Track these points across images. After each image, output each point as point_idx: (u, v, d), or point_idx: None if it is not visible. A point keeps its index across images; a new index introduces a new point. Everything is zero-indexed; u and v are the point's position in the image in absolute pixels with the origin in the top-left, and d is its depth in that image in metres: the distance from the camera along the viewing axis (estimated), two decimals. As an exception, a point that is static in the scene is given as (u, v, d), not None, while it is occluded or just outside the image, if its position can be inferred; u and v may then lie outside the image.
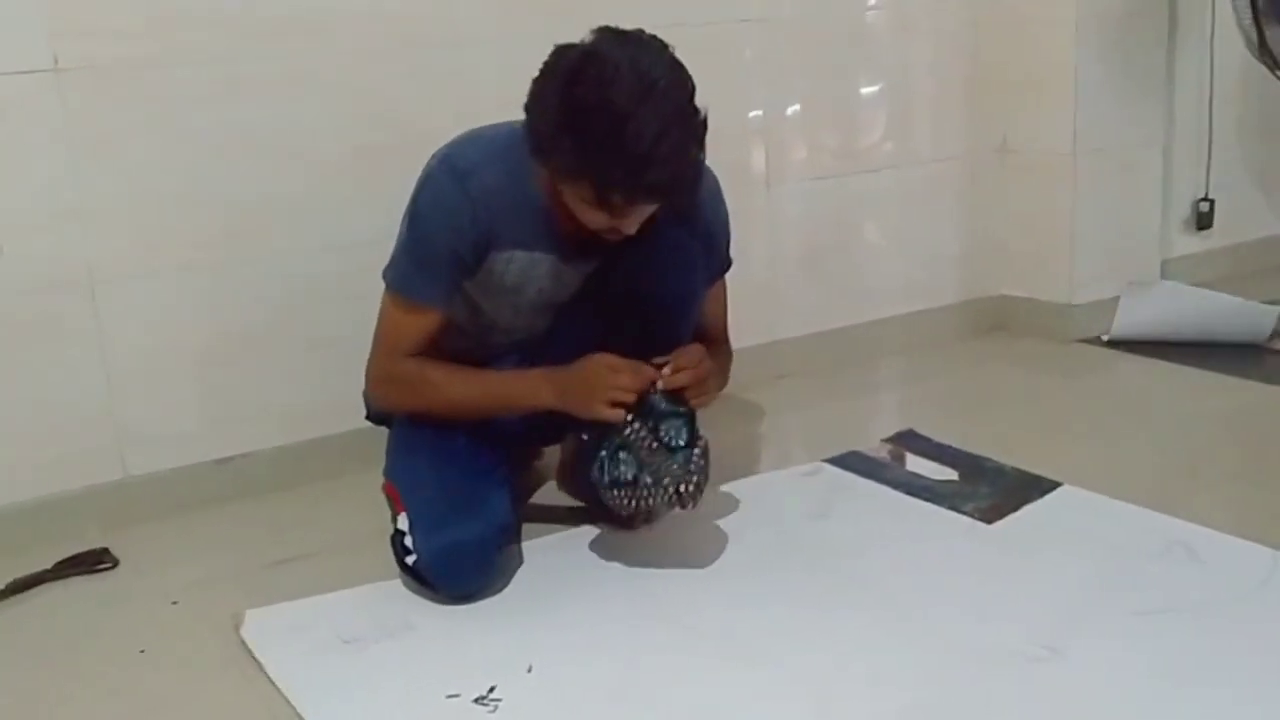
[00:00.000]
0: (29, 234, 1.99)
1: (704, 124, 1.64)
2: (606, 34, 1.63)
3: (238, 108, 2.11)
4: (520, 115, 1.68)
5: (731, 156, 2.57)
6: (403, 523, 1.75)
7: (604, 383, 1.70)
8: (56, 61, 1.96)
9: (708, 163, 1.75)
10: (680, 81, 1.62)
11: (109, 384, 2.08)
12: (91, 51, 1.99)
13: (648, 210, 1.67)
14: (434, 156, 1.78)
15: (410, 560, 1.73)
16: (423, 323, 1.79)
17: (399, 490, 1.80)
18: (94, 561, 1.95)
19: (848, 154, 2.76)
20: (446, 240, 1.74)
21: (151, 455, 2.13)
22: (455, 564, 1.71)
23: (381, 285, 1.83)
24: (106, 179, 2.03)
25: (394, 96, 2.22)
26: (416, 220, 1.77)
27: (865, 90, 2.77)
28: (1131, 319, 2.78)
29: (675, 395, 1.72)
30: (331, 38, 2.16)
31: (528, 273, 1.81)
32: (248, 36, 2.10)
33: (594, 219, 1.67)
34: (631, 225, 1.68)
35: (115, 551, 1.99)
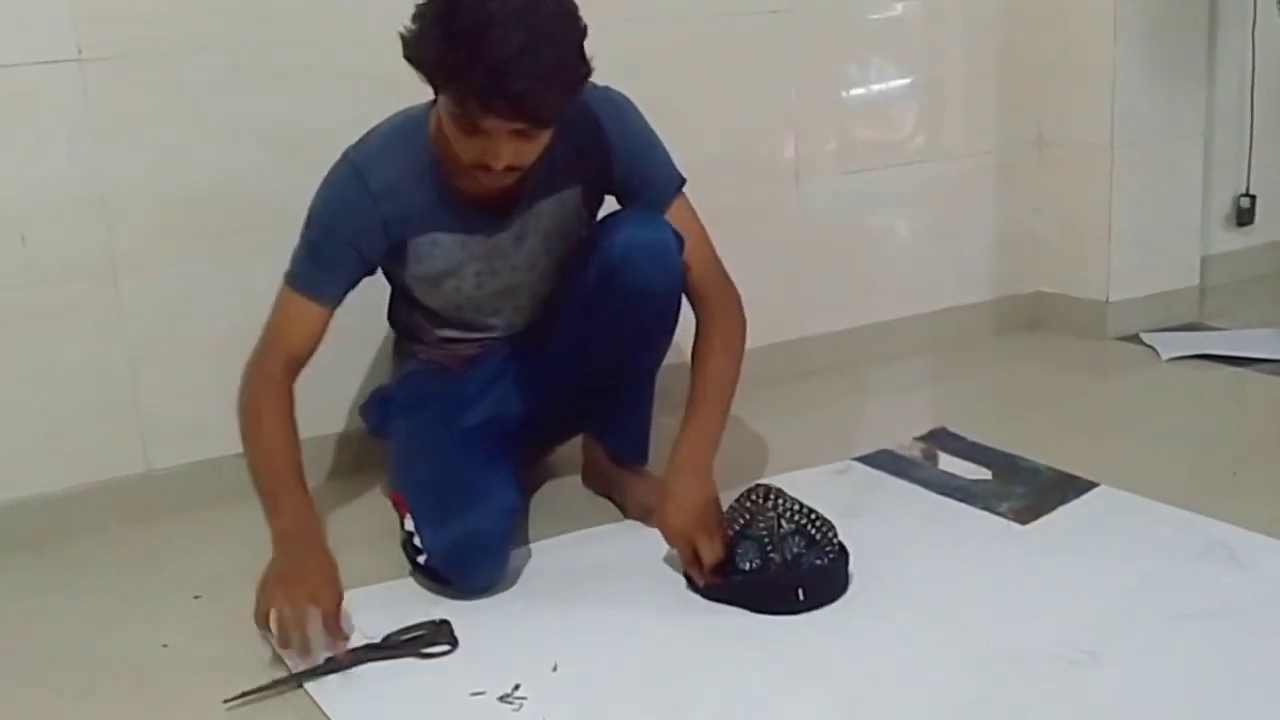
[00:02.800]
0: (52, 223, 1.99)
1: (585, 68, 1.60)
2: None
3: (262, 96, 2.10)
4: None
5: (761, 149, 2.58)
6: (410, 524, 1.75)
7: (273, 602, 1.56)
8: (80, 51, 1.96)
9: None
10: (565, 14, 1.58)
11: (132, 375, 2.08)
12: (115, 40, 1.99)
13: (516, 143, 1.61)
14: (341, 154, 1.78)
15: (422, 560, 1.73)
16: (311, 317, 1.77)
17: (403, 494, 1.80)
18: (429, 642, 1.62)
19: (879, 147, 2.74)
20: (346, 237, 1.75)
21: (174, 448, 2.13)
22: (466, 556, 1.70)
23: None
24: (130, 168, 2.03)
25: (420, 85, 2.18)
26: (315, 213, 1.77)
27: (897, 82, 2.74)
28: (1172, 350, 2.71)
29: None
30: (357, 25, 2.14)
31: (451, 255, 1.80)
32: (271, 24, 2.10)
33: (466, 149, 1.63)
34: (499, 158, 1.61)
35: (138, 545, 1.99)
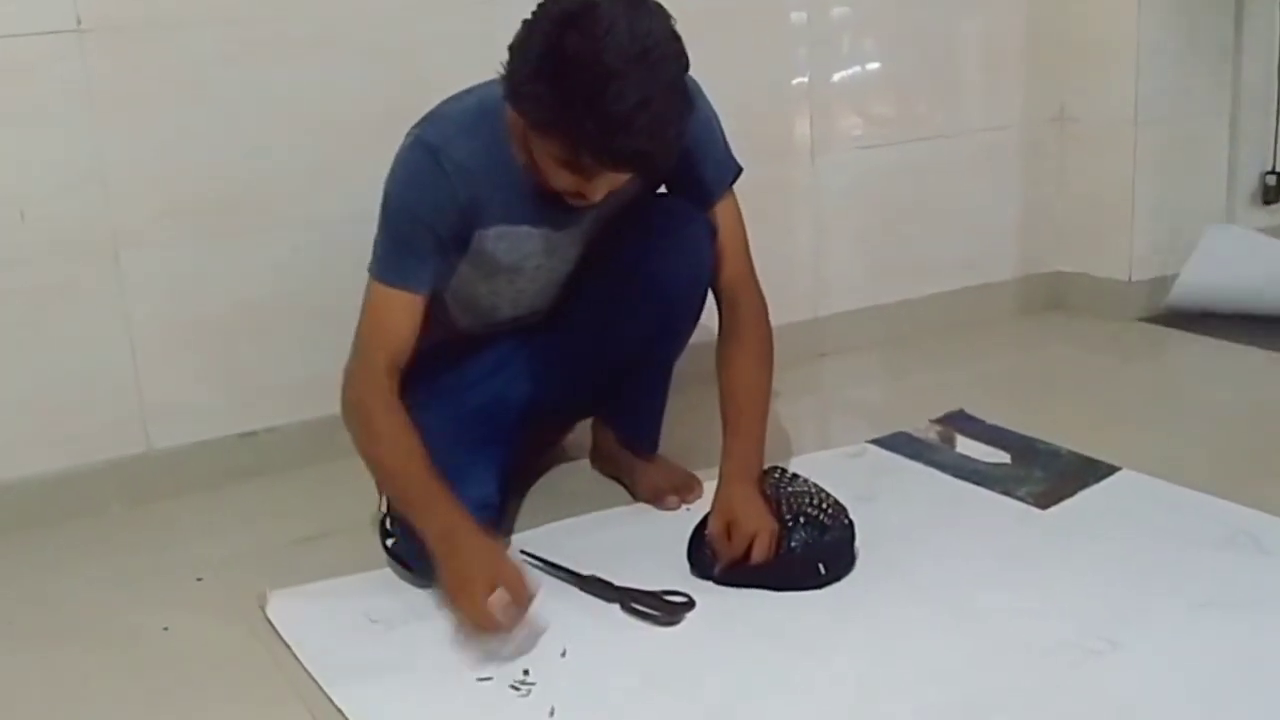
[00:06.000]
0: (51, 198, 1.97)
1: (690, 103, 1.58)
2: None
3: (264, 69, 2.08)
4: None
5: (775, 125, 2.56)
6: (385, 505, 1.73)
7: (470, 607, 1.53)
8: (79, 22, 1.94)
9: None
10: (676, 54, 1.54)
11: (132, 353, 2.06)
12: (115, 11, 1.96)
13: (617, 180, 1.61)
14: (407, 135, 1.72)
15: (390, 543, 1.72)
16: (405, 309, 1.70)
17: None
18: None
19: (896, 122, 2.72)
20: (426, 219, 1.68)
21: (175, 428, 2.11)
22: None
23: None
24: (130, 142, 2.01)
25: (425, 58, 2.18)
26: (391, 203, 1.70)
27: (915, 55, 2.71)
28: (1200, 274, 2.70)
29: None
30: (364, -2, 2.13)
31: (520, 249, 1.75)
32: (272, -4, 2.08)
33: (560, 178, 1.60)
34: (598, 192, 1.61)
35: (139, 526, 1.98)
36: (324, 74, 2.11)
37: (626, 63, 1.47)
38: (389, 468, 1.67)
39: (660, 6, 1.56)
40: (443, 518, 1.60)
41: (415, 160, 1.67)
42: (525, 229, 1.73)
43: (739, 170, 1.84)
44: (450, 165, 1.65)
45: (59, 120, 1.96)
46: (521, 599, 1.53)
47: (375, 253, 1.72)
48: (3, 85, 1.91)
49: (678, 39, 1.54)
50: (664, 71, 1.51)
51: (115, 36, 1.96)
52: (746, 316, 1.83)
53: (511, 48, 1.57)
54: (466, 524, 1.60)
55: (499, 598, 1.50)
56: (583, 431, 2.10)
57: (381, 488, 1.74)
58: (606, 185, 1.60)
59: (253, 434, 2.17)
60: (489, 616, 1.50)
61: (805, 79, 2.56)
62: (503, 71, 1.58)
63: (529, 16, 1.56)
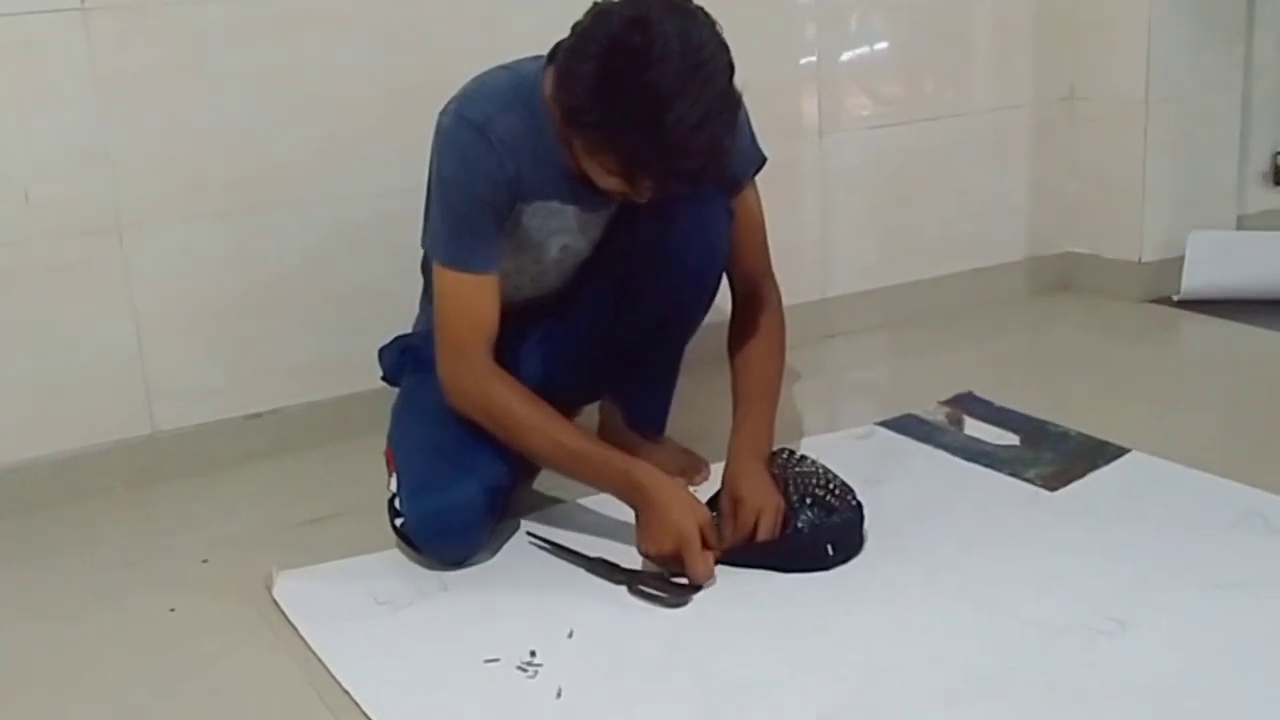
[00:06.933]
0: (55, 178, 1.96)
1: (739, 109, 1.58)
2: (654, 0, 1.52)
3: (269, 48, 2.07)
4: (538, 52, 1.62)
5: (783, 104, 2.54)
6: (394, 485, 1.73)
7: (678, 545, 1.60)
8: (83, 0, 1.92)
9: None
10: (727, 64, 1.53)
11: (138, 334, 2.06)
12: (118, -11, 1.95)
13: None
14: (442, 114, 1.69)
15: (399, 523, 1.71)
16: (482, 290, 1.68)
17: (394, 451, 1.77)
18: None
19: (905, 101, 2.70)
20: (483, 195, 1.66)
21: (180, 410, 2.11)
22: (440, 528, 1.68)
23: (418, 236, 1.77)
24: (135, 121, 2.00)
25: (431, 36, 2.17)
26: (446, 184, 1.68)
27: (924, 35, 2.69)
28: (1200, 276, 2.70)
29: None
30: (368, -25, 2.12)
31: (551, 225, 1.74)
32: (280, -28, 2.06)
33: (608, 182, 1.59)
34: (643, 195, 1.60)
35: (143, 508, 1.98)
36: (330, 52, 2.10)
37: (683, 82, 1.46)
38: (545, 452, 1.70)
39: (705, 11, 1.54)
40: (620, 472, 1.65)
41: (462, 137, 1.65)
42: (562, 206, 1.72)
43: (764, 161, 1.83)
44: (495, 139, 1.64)
45: (63, 100, 1.95)
46: (714, 542, 1.61)
47: (436, 239, 1.71)
48: (6, 65, 1.91)
49: (726, 47, 1.54)
50: (717, 84, 1.51)
51: (119, 15, 1.95)
52: (763, 310, 1.83)
53: (560, 70, 1.55)
54: (643, 469, 1.65)
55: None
56: (590, 413, 2.08)
57: (551, 467, 1.77)
58: (653, 189, 1.59)
59: (258, 415, 2.16)
60: (710, 569, 1.58)
61: (814, 58, 2.55)
62: (547, 61, 1.58)
63: (581, 22, 1.54)
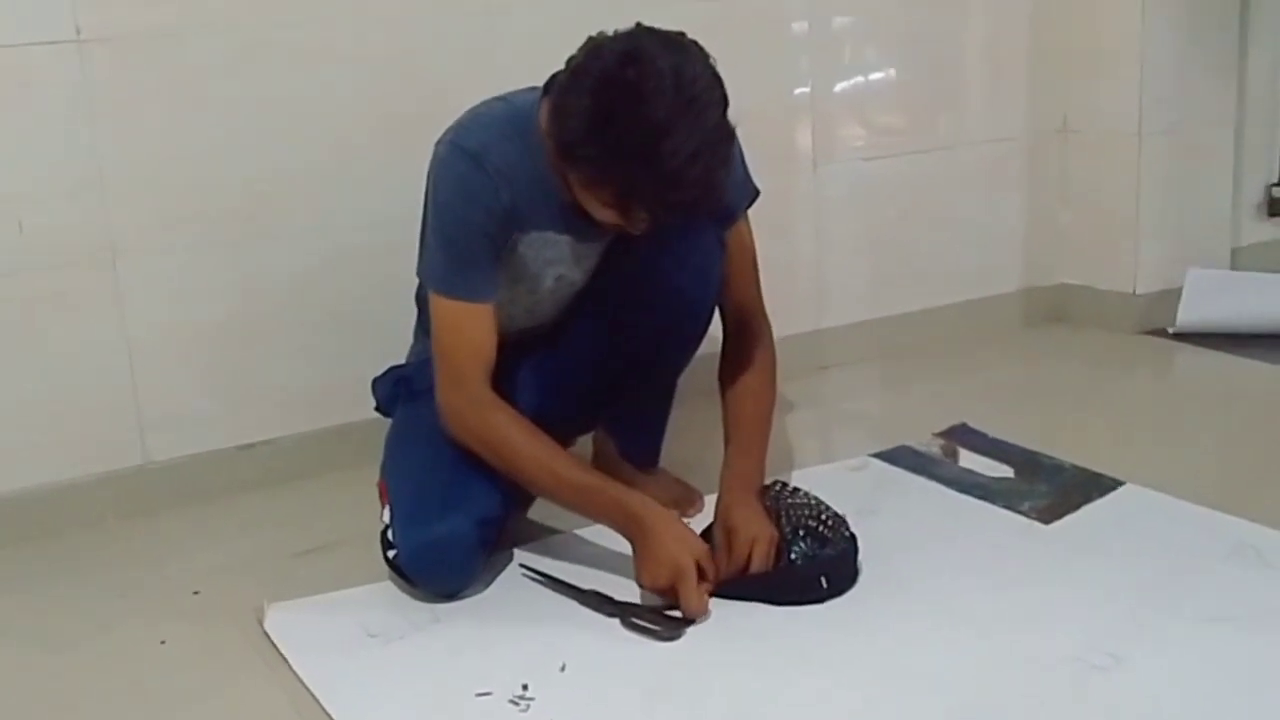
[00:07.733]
0: (49, 207, 1.96)
1: (733, 139, 1.58)
2: (647, 35, 1.54)
3: (261, 78, 2.08)
4: (529, 83, 1.62)
5: (777, 134, 2.55)
6: (387, 516, 1.72)
7: (674, 579, 1.60)
8: (79, 32, 1.94)
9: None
10: (720, 98, 1.54)
11: (130, 364, 2.06)
12: (114, 21, 1.96)
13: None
14: (439, 144, 1.70)
15: (391, 555, 1.71)
16: (479, 319, 1.69)
17: (387, 483, 1.77)
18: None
19: (899, 133, 2.71)
20: (479, 223, 1.66)
21: (173, 440, 2.10)
22: (433, 560, 1.67)
23: (412, 265, 1.77)
24: (128, 151, 2.01)
25: (422, 65, 2.18)
26: (443, 212, 1.68)
27: (917, 66, 2.70)
28: (1197, 311, 2.71)
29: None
30: (358, 3, 2.12)
31: (546, 255, 1.74)
32: (272, 4, 2.07)
33: (603, 214, 1.60)
34: (638, 227, 1.60)
35: (135, 538, 1.97)
36: (322, 82, 2.11)
37: (677, 115, 1.47)
38: (542, 482, 1.70)
39: (698, 46, 1.55)
40: (616, 504, 1.65)
41: (458, 167, 1.66)
42: (557, 236, 1.72)
43: (756, 194, 1.84)
44: (491, 168, 1.64)
45: (58, 130, 1.96)
46: (710, 575, 1.61)
47: (433, 269, 1.71)
48: (2, 95, 1.91)
49: (719, 81, 1.55)
50: (711, 117, 1.51)
51: (114, 46, 1.96)
52: (754, 343, 1.84)
53: (555, 105, 1.56)
54: (640, 501, 1.66)
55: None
56: (584, 444, 2.08)
57: (548, 497, 1.76)
58: (648, 220, 1.59)
59: (250, 446, 2.16)
60: (704, 603, 1.58)
61: (807, 89, 2.56)
62: (542, 93, 1.59)
63: (575, 57, 1.55)
